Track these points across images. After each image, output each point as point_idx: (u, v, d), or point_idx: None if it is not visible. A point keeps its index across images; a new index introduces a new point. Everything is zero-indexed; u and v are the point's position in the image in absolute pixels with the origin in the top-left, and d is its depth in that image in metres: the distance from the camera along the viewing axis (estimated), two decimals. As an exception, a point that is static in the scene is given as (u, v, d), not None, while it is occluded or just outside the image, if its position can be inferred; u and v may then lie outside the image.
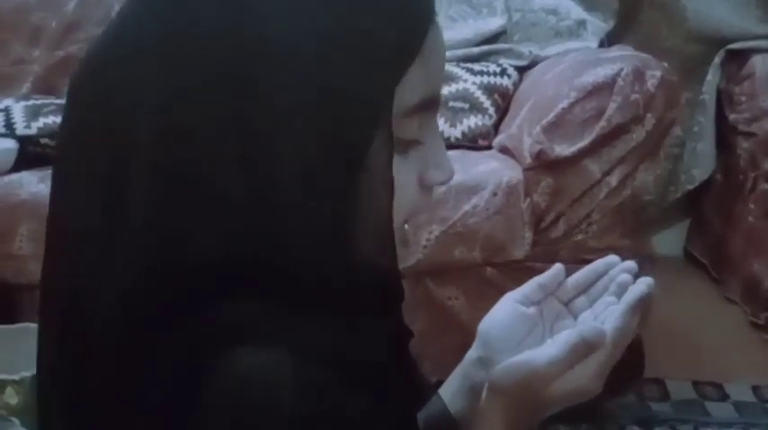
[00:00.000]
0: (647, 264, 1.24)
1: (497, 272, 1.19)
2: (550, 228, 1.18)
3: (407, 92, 0.41)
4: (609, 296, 0.52)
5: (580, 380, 0.47)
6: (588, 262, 1.33)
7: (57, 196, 0.44)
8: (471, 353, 0.54)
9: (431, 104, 0.43)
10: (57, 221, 0.43)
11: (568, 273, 1.34)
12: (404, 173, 0.43)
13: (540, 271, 1.29)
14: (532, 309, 0.53)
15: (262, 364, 0.38)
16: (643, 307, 0.48)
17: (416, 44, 0.41)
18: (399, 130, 0.41)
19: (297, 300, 0.40)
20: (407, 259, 0.46)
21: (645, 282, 0.49)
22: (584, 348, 0.47)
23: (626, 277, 0.51)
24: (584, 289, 0.54)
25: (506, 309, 0.53)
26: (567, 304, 0.54)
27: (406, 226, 0.46)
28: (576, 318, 0.53)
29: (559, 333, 0.50)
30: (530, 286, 0.54)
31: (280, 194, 0.39)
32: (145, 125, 0.39)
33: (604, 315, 0.50)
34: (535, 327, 0.53)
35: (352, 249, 0.40)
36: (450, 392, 0.54)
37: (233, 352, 0.38)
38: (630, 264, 0.53)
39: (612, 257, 0.55)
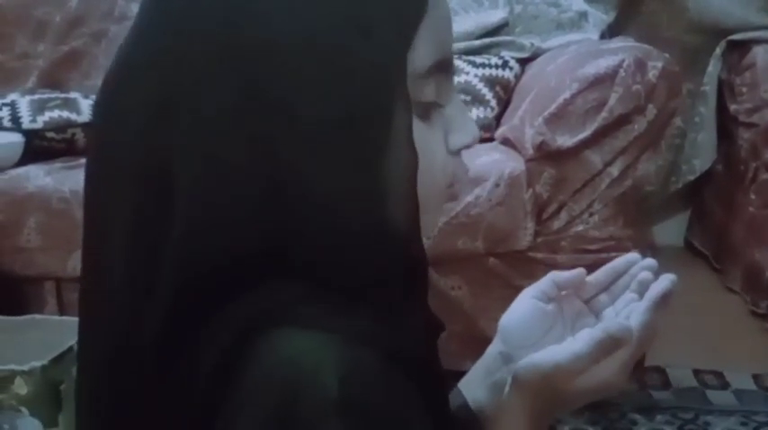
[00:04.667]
0: (648, 253, 1.24)
1: (500, 262, 1.20)
2: (552, 218, 1.19)
3: (419, 56, 0.41)
4: (631, 293, 0.52)
5: (604, 375, 0.47)
6: (590, 252, 1.34)
7: (92, 196, 0.44)
8: (492, 349, 0.54)
9: (445, 66, 0.43)
10: (95, 223, 0.43)
11: (571, 263, 1.35)
12: (430, 139, 0.43)
13: (542, 261, 1.30)
14: (551, 306, 0.53)
15: (309, 345, 0.37)
16: (667, 302, 0.49)
17: (420, 8, 0.41)
18: (417, 95, 0.42)
19: (335, 282, 0.40)
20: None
21: (668, 278, 0.49)
22: (609, 344, 0.47)
23: (647, 274, 0.51)
24: (605, 287, 0.54)
25: (525, 306, 0.53)
26: (587, 302, 0.54)
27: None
28: (597, 316, 0.53)
29: (581, 331, 0.50)
30: (545, 282, 0.54)
31: (306, 179, 0.39)
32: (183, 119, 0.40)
33: (626, 311, 0.50)
34: (555, 324, 0.53)
35: (383, 224, 0.40)
36: (471, 387, 0.54)
37: (278, 332, 0.37)
38: (651, 261, 0.53)
39: (633, 255, 0.55)
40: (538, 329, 0.52)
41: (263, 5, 0.40)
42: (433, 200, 0.44)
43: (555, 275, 0.54)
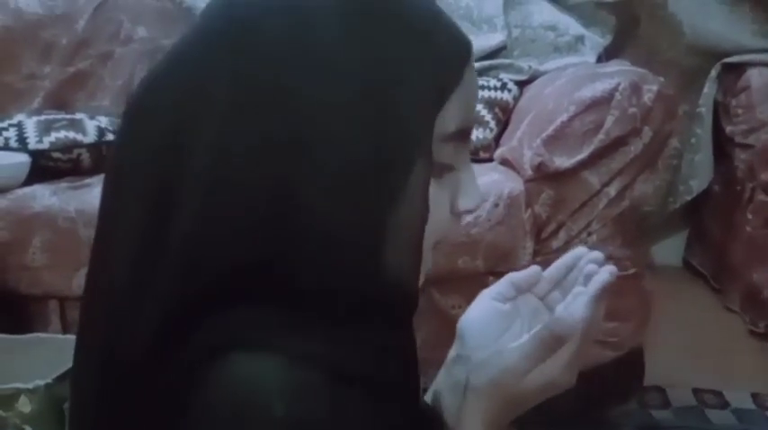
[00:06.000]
0: (647, 273, 1.26)
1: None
2: (551, 238, 1.21)
3: (446, 120, 0.44)
4: (579, 287, 0.52)
5: (552, 372, 0.48)
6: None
7: (105, 214, 0.45)
8: (451, 352, 0.55)
9: (465, 133, 0.46)
10: (102, 246, 0.45)
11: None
12: (438, 197, 0.45)
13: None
14: (508, 306, 0.54)
15: (257, 368, 0.38)
16: (606, 295, 0.49)
17: (457, 77, 0.44)
18: (437, 155, 0.44)
19: (318, 311, 0.41)
20: None
21: (607, 271, 0.50)
22: (551, 341, 0.47)
23: (592, 267, 0.51)
24: (558, 282, 0.55)
25: (483, 307, 0.54)
26: (543, 299, 0.55)
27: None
28: (552, 311, 0.54)
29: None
30: (503, 283, 0.55)
31: (314, 213, 0.40)
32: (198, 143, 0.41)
33: (573, 306, 0.50)
34: (513, 324, 0.54)
35: (379, 267, 0.42)
36: (436, 390, 0.54)
37: (232, 355, 0.39)
38: (597, 254, 0.53)
39: (581, 249, 0.55)
40: (495, 329, 0.53)
41: (304, 57, 0.41)
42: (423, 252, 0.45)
43: (511, 276, 0.55)
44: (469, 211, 0.47)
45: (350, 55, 0.41)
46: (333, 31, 0.41)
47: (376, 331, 0.43)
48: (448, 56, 0.44)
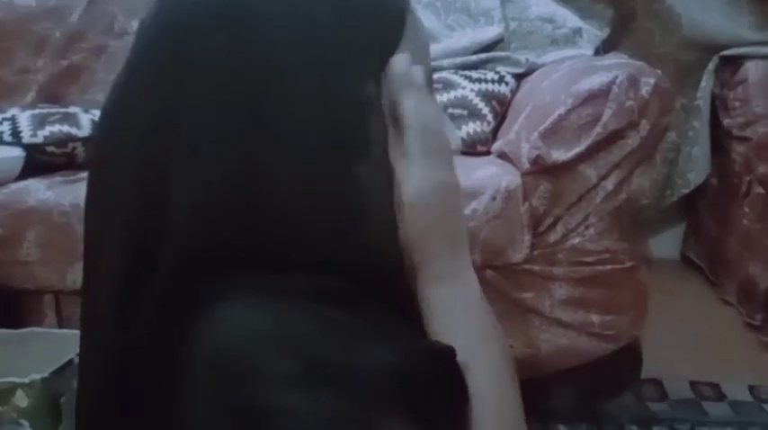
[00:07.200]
0: (644, 267, 1.26)
1: (497, 274, 1.21)
2: (548, 231, 1.20)
3: None
4: None
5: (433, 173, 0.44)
6: (586, 264, 1.35)
7: (92, 208, 0.45)
8: None
9: (427, 80, 0.46)
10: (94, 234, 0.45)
11: (567, 275, 1.35)
12: None
13: (539, 274, 1.31)
14: None
15: (239, 309, 0.38)
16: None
17: (397, 31, 0.44)
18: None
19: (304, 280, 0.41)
20: None
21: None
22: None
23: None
24: None
25: None
26: None
27: None
28: None
29: None
30: None
31: (281, 195, 0.41)
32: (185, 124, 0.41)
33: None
34: None
35: (356, 240, 0.42)
36: None
37: (214, 309, 0.39)
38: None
39: None
40: None
41: (262, 35, 0.42)
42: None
43: None
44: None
45: (293, 31, 0.42)
46: (273, 9, 0.42)
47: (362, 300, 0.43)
48: (383, 13, 0.44)
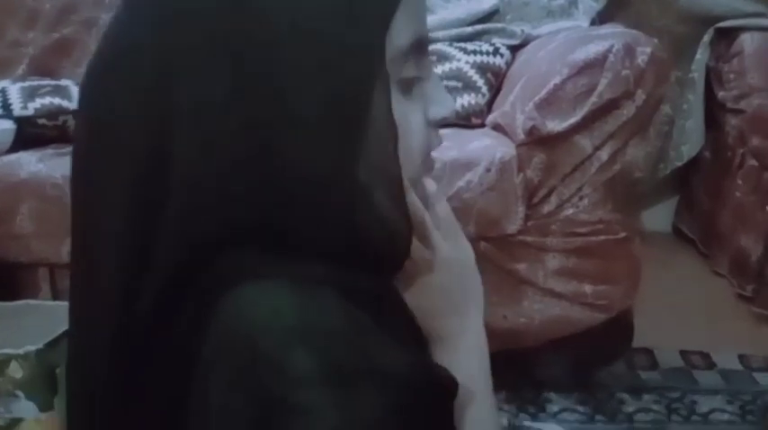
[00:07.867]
0: (637, 239, 1.27)
1: (491, 246, 1.21)
2: (543, 202, 1.21)
3: (399, 36, 0.44)
4: None
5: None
6: (579, 235, 1.35)
7: (83, 181, 0.44)
8: None
9: (422, 43, 0.46)
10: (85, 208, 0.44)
11: (561, 246, 1.35)
12: (413, 113, 0.45)
13: (533, 245, 1.31)
14: None
15: (262, 293, 0.38)
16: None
17: None
18: (400, 72, 0.44)
19: (313, 251, 0.41)
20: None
21: None
22: None
23: None
24: None
25: None
26: None
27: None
28: None
29: None
30: None
31: (285, 159, 0.40)
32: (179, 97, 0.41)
33: None
34: None
35: (364, 197, 0.42)
36: None
37: (235, 291, 0.39)
38: None
39: None
40: None
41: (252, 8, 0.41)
42: (411, 167, 0.46)
43: None
44: (443, 118, 0.48)
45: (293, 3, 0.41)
46: None
47: (368, 274, 0.43)
48: None
